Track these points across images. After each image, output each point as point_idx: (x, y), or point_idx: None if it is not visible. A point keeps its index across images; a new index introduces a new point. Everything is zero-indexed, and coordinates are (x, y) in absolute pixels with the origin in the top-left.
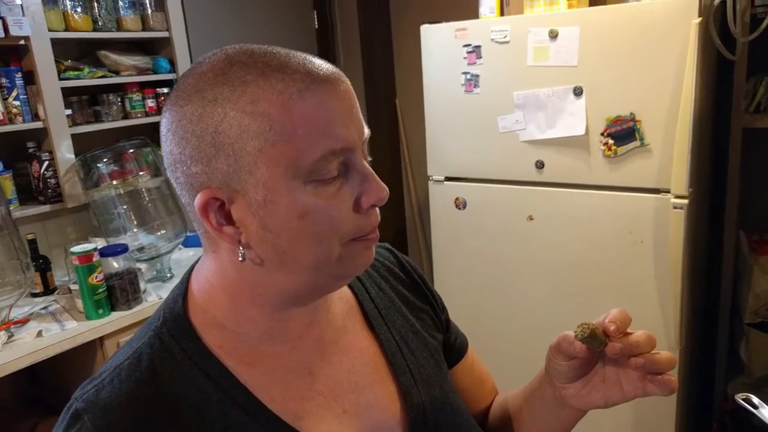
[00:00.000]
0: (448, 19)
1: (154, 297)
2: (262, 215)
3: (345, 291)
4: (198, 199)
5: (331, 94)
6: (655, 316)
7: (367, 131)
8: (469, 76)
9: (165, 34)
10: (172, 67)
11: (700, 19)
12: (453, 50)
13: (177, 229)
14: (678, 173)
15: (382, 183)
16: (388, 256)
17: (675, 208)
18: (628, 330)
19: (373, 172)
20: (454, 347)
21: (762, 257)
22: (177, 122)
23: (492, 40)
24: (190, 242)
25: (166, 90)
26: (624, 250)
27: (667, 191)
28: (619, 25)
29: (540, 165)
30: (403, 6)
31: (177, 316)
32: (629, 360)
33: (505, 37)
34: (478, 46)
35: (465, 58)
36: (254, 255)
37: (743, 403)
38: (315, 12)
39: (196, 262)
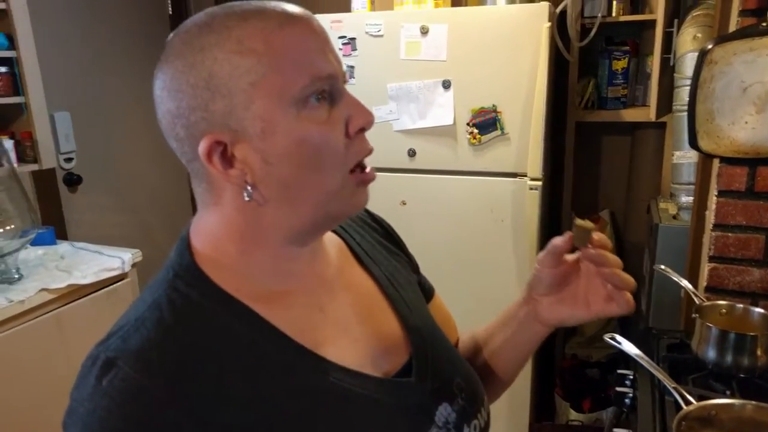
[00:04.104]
0: (321, 11)
1: (2, 300)
2: (263, 148)
3: (334, 237)
4: (201, 146)
5: (307, 28)
6: (513, 286)
7: (344, 66)
8: (344, 68)
9: (0, 5)
10: (11, 43)
11: (550, 23)
12: None
13: (26, 225)
14: (533, 159)
15: (368, 108)
16: (361, 211)
17: (531, 189)
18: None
19: (358, 99)
20: (425, 288)
21: None
22: (170, 78)
23: (367, 33)
24: (39, 240)
25: (3, 69)
26: (487, 228)
27: (524, 175)
28: (482, 24)
29: (412, 153)
30: None
31: (188, 267)
32: (597, 269)
33: (379, 31)
34: (353, 39)
35: (340, 49)
36: (259, 195)
37: (610, 340)
38: None
39: (188, 226)
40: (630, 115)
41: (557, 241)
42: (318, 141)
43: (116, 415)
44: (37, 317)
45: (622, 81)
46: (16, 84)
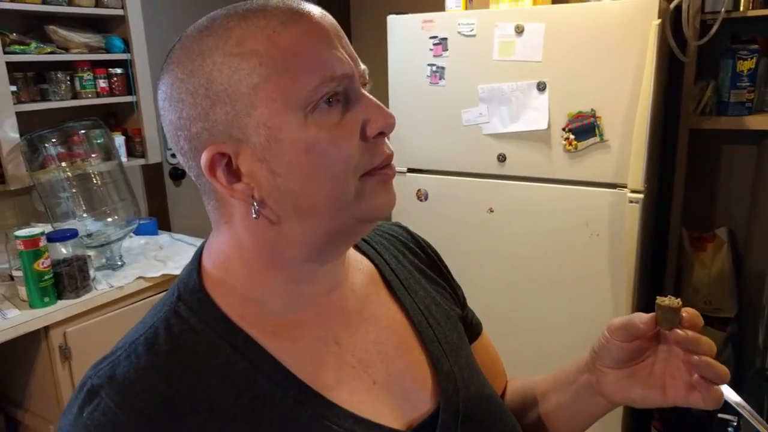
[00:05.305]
0: (412, 11)
1: (104, 285)
2: (269, 158)
3: (364, 261)
4: (203, 158)
5: (315, 25)
6: (607, 307)
7: (363, 66)
8: (434, 68)
9: (119, 11)
10: (127, 47)
11: (660, 20)
12: (419, 42)
13: (129, 216)
14: (635, 169)
15: (388, 110)
16: (402, 232)
17: (631, 202)
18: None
19: (377, 101)
20: (471, 325)
21: (702, 253)
22: (170, 87)
23: (459, 33)
24: (143, 230)
25: (119, 71)
26: (581, 242)
27: (624, 186)
28: (582, 23)
29: (502, 158)
30: None
31: (193, 289)
32: (686, 355)
33: (472, 30)
34: (445, 39)
35: (431, 50)
36: (269, 211)
37: None
38: None
39: (204, 242)
40: (756, 122)
41: (637, 322)
42: (328, 147)
43: None
44: (133, 303)
45: (748, 83)
46: (129, 84)
